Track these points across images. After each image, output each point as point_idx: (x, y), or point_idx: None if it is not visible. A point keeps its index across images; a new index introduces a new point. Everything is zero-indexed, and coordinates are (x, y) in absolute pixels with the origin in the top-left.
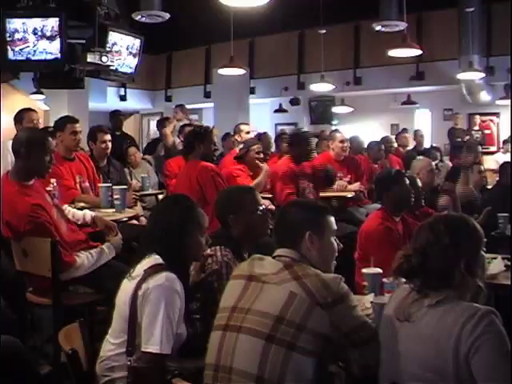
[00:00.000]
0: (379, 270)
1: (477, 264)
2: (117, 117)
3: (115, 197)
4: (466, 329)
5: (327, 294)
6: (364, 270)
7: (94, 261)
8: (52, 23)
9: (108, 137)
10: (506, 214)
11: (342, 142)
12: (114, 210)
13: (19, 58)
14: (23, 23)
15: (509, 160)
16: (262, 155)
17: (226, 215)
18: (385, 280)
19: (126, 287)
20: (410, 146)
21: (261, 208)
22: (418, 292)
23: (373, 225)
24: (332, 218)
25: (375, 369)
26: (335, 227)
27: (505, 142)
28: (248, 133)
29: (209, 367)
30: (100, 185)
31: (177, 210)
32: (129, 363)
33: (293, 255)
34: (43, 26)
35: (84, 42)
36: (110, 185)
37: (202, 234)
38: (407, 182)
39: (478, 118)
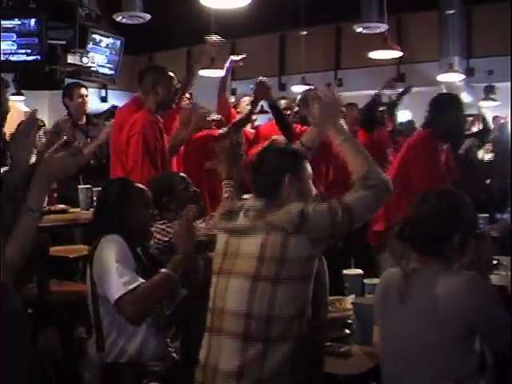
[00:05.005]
0: (360, 271)
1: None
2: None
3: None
4: None
5: (292, 219)
6: (344, 272)
7: None
8: (32, 24)
9: (85, 91)
10: (485, 215)
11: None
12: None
13: None
14: (2, 24)
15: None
16: None
17: None
18: (366, 281)
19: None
20: None
21: None
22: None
23: (421, 140)
24: (308, 163)
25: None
26: (311, 171)
27: (487, 142)
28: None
29: (209, 310)
30: (80, 186)
31: (110, 190)
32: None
33: (261, 205)
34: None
35: (65, 42)
36: (90, 186)
37: (145, 208)
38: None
39: None
